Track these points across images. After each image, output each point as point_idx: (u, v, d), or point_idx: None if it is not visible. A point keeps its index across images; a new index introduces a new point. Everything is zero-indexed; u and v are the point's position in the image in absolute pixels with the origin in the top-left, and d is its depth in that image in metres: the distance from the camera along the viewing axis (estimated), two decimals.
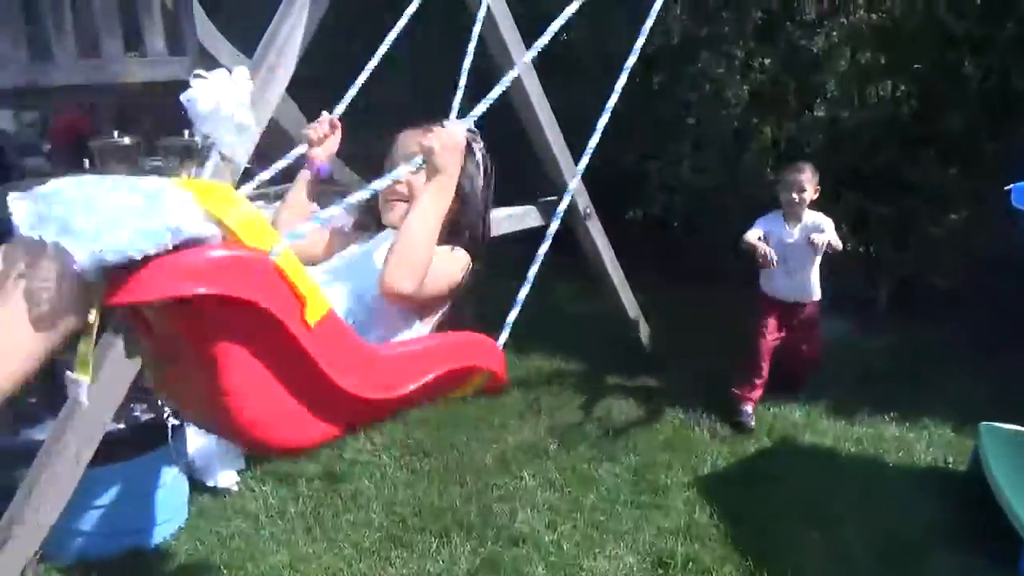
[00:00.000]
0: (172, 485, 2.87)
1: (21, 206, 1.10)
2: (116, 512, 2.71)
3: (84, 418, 2.28)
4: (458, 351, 1.56)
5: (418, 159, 1.54)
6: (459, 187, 1.62)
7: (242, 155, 2.52)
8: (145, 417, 2.79)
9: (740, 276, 4.87)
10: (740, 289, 4.44)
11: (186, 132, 3.11)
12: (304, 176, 1.82)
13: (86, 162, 3.12)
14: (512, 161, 6.35)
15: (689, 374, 4.14)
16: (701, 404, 3.88)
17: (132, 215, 1.07)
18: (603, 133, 1.97)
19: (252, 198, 3.32)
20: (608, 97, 1.93)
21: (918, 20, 4.49)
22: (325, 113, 1.89)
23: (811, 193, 3.75)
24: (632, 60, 1.91)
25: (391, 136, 1.85)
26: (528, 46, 3.28)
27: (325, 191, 1.92)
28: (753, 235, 3.77)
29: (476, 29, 2.13)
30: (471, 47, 2.11)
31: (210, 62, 3.51)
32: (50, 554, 2.57)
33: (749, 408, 3.75)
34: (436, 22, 5.81)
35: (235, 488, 3.15)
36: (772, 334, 3.86)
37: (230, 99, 2.46)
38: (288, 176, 1.97)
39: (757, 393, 3.79)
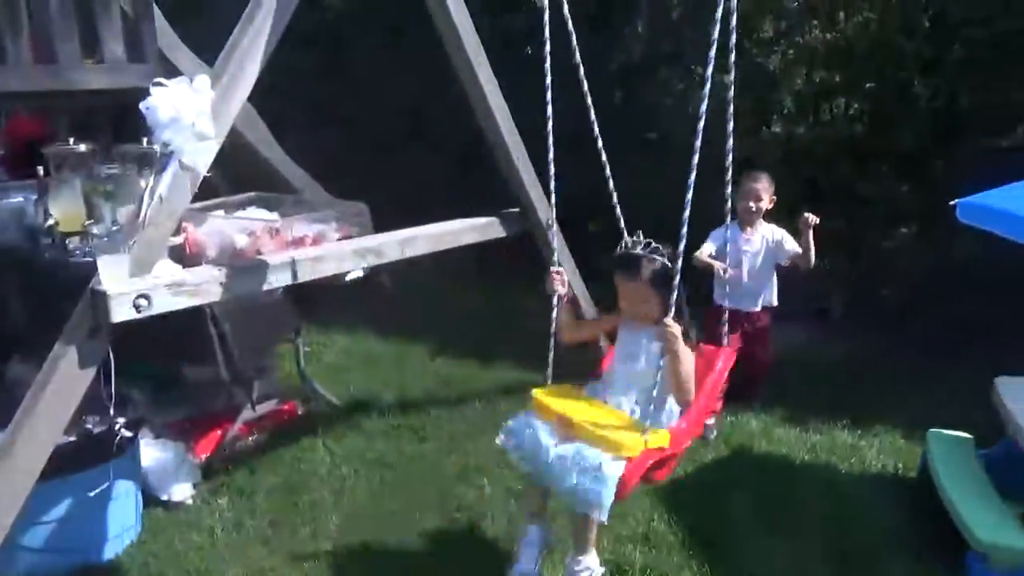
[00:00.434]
0: (124, 499, 2.82)
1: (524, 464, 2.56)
2: (66, 527, 2.65)
3: (34, 430, 2.22)
4: (722, 378, 2.82)
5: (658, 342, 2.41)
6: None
7: (202, 164, 2.50)
8: (97, 429, 2.74)
9: (702, 287, 4.95)
10: (701, 301, 4.51)
11: (145, 140, 3.07)
12: (565, 307, 2.86)
13: (40, 169, 3.06)
14: (475, 172, 6.39)
15: None
16: None
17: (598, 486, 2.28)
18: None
19: (210, 208, 3.29)
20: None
21: (870, 41, 4.64)
22: (553, 268, 2.87)
23: (767, 203, 3.83)
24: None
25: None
26: (492, 62, 3.34)
27: None
28: (704, 253, 3.78)
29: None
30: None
31: (170, 70, 3.48)
32: None
33: (710, 420, 3.80)
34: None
35: (190, 502, 3.10)
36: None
37: (191, 108, 2.45)
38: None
39: (717, 404, 3.84)
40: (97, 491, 2.71)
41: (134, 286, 2.30)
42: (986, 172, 3.83)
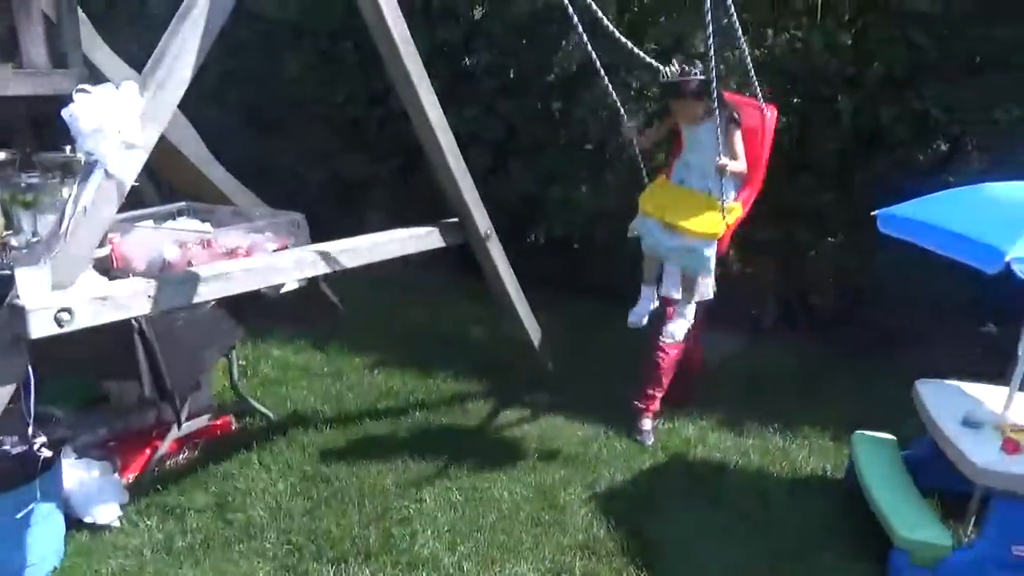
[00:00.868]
0: (46, 523, 2.69)
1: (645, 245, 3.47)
2: None
3: None
4: (767, 139, 3.45)
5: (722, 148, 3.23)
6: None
7: (129, 173, 2.43)
8: (16, 450, 2.62)
9: (637, 296, 5.03)
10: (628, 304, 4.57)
11: (68, 148, 2.97)
12: (637, 137, 3.61)
13: None
14: (414, 183, 6.36)
15: (589, 391, 4.23)
16: (600, 421, 3.97)
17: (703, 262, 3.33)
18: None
19: (139, 219, 3.20)
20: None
21: (796, 58, 4.81)
22: (630, 123, 3.59)
23: None
24: None
25: None
26: (429, 70, 3.34)
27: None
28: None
29: None
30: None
31: (97, 76, 3.38)
32: None
33: (647, 424, 3.87)
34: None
35: (116, 523, 2.98)
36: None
37: (117, 115, 2.38)
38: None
39: (656, 406, 3.92)
40: (17, 515, 2.58)
41: (55, 300, 2.22)
42: (905, 184, 4.02)
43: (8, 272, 2.31)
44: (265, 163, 6.59)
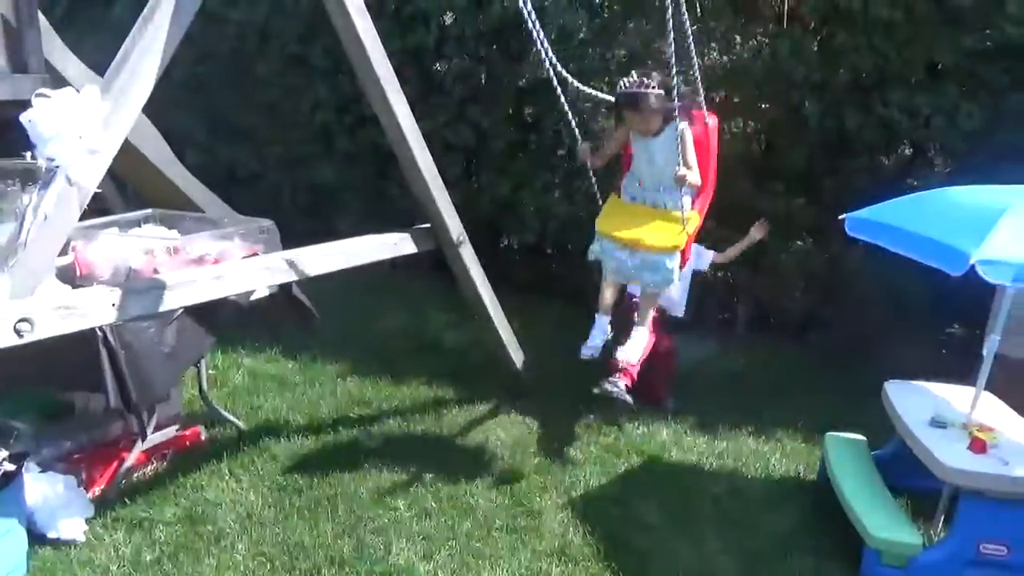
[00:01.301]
0: (8, 538, 2.61)
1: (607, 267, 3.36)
2: None
3: None
4: (712, 142, 3.45)
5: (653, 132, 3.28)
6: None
7: (91, 179, 2.37)
8: None
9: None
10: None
11: (28, 153, 2.90)
12: (590, 155, 3.48)
13: None
14: (385, 189, 6.32)
15: (563, 397, 4.23)
16: (575, 426, 3.97)
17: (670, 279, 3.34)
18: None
19: (103, 225, 3.13)
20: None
21: (764, 64, 4.86)
22: (583, 144, 3.48)
23: None
24: None
25: None
26: (400, 76, 3.32)
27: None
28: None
29: None
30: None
31: (58, 80, 3.31)
32: None
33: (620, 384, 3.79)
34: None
35: (82, 538, 2.91)
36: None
37: (78, 120, 2.33)
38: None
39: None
40: None
41: (14, 309, 2.15)
42: (871, 188, 4.08)
43: None
44: (233, 169, 6.51)
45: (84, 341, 2.72)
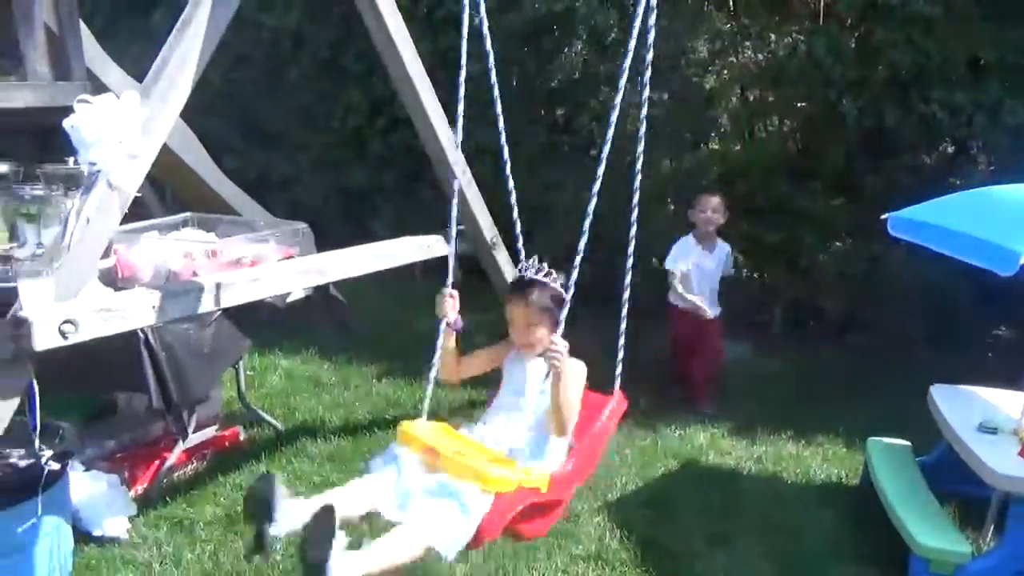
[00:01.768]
0: (53, 536, 2.66)
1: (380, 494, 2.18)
2: None
3: None
4: (610, 424, 2.54)
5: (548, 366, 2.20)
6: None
7: (132, 183, 2.41)
8: (23, 463, 2.59)
9: (643, 302, 5.00)
10: (644, 314, 4.52)
11: (71, 159, 2.96)
12: (448, 335, 2.49)
13: None
14: (420, 190, 6.33)
15: None
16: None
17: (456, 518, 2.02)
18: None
19: (143, 229, 3.17)
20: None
21: (799, 62, 4.79)
22: (444, 289, 2.47)
23: (721, 216, 4.14)
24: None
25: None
26: (433, 80, 3.33)
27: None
28: (679, 272, 4.16)
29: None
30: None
31: (99, 87, 3.36)
32: None
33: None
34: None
35: (125, 536, 2.95)
36: (685, 343, 4.24)
37: (118, 126, 2.36)
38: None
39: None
40: (23, 528, 2.55)
41: (59, 311, 2.19)
42: (912, 187, 4.00)
43: (12, 284, 2.28)
44: (268, 173, 6.59)
45: (126, 342, 2.77)
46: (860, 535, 3.12)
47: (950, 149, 4.91)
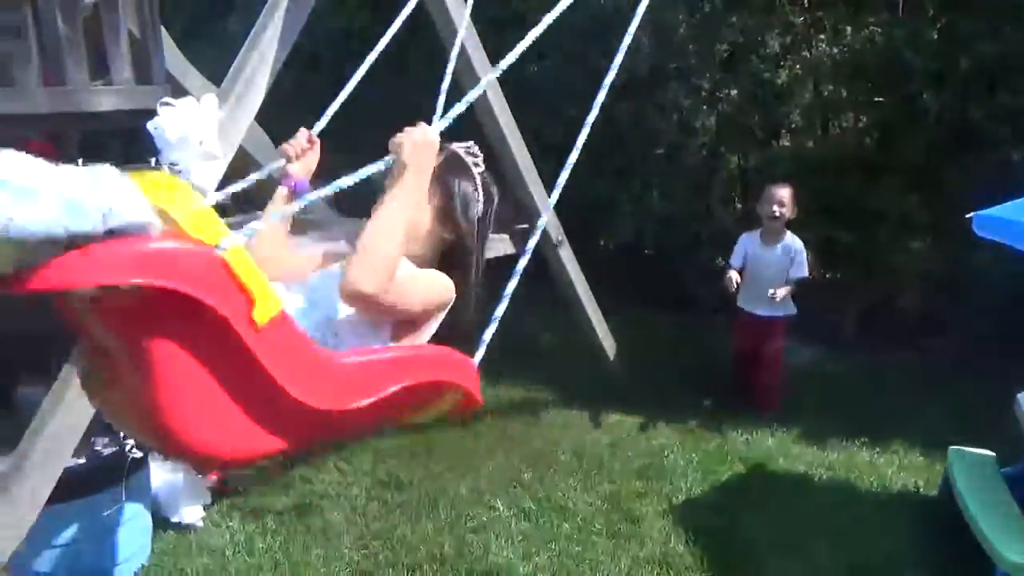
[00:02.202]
0: (134, 522, 2.78)
1: None
2: (76, 551, 2.61)
3: (42, 453, 2.20)
4: (427, 364, 1.41)
5: (389, 157, 1.48)
6: (452, 210, 1.57)
7: (211, 183, 2.49)
8: (107, 452, 2.70)
9: (709, 302, 4.92)
10: (709, 315, 4.48)
11: (153, 160, 3.07)
12: (281, 192, 1.72)
13: None
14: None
15: (662, 401, 4.14)
16: (674, 431, 3.88)
17: (60, 186, 0.92)
18: (575, 162, 2.00)
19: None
20: (578, 126, 1.97)
21: (877, 55, 4.62)
22: (303, 129, 1.84)
23: (790, 210, 3.94)
24: (602, 96, 1.95)
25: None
26: (500, 78, 3.33)
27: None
28: (734, 271, 4.00)
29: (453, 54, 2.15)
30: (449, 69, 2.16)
31: (178, 90, 3.48)
32: None
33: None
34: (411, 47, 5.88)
35: (200, 524, 3.06)
36: (744, 345, 4.10)
37: (198, 127, 2.44)
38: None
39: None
40: (107, 514, 2.67)
41: None
42: (997, 185, 3.80)
43: None
44: (336, 172, 6.73)
45: None
46: (938, 547, 3.00)
47: None
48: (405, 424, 1.60)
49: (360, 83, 2.15)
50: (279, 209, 1.64)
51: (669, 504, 3.27)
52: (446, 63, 2.16)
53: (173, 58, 3.70)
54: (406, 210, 1.44)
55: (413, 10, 2.16)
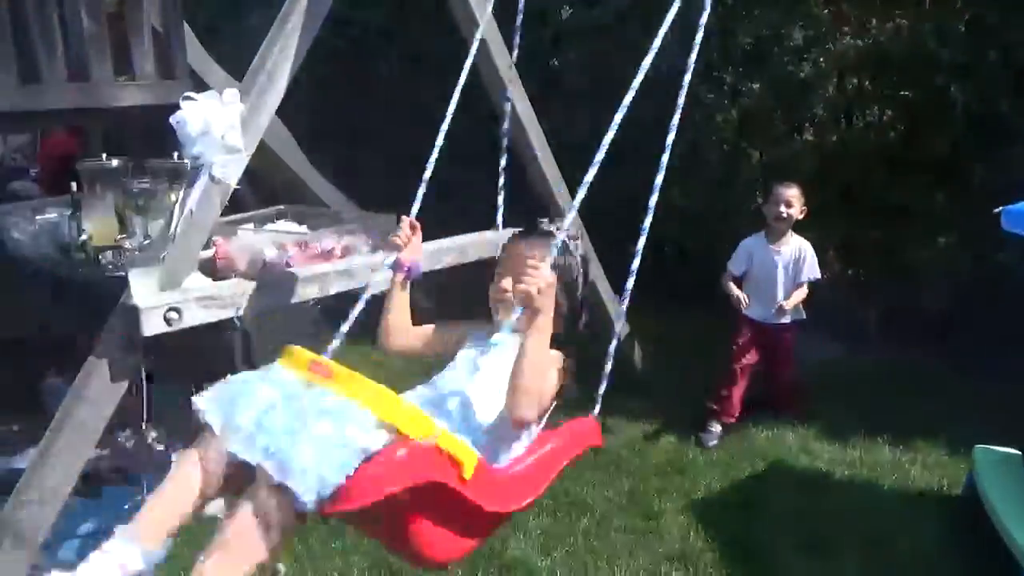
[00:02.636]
0: None
1: (214, 416, 1.57)
2: (99, 543, 2.64)
3: (66, 444, 2.23)
4: (569, 446, 1.97)
5: (517, 310, 1.72)
6: (556, 298, 1.78)
7: (232, 177, 2.51)
8: (130, 443, 2.74)
9: (724, 304, 4.87)
10: (730, 312, 4.41)
11: (175, 154, 3.10)
12: (397, 279, 2.08)
13: (73, 185, 3.09)
14: (505, 186, 6.30)
15: (681, 397, 4.11)
16: (693, 429, 3.85)
17: (330, 448, 1.38)
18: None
19: (240, 222, 3.29)
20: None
21: (903, 47, 4.55)
22: (404, 217, 2.17)
23: (797, 211, 3.78)
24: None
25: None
26: (521, 74, 3.32)
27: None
28: (729, 277, 3.89)
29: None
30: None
31: (200, 85, 3.51)
32: None
33: (715, 427, 3.80)
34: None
35: (221, 516, 3.07)
36: (746, 354, 3.90)
37: (220, 121, 2.46)
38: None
39: (729, 410, 3.84)
40: (128, 506, 2.70)
41: (164, 299, 2.30)
42: None
43: (122, 274, 2.42)
44: (358, 167, 6.75)
45: (219, 332, 2.88)
46: (962, 547, 2.95)
47: None
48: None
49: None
50: (400, 295, 2.09)
51: (688, 500, 3.25)
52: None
53: (195, 53, 3.74)
54: (546, 347, 1.73)
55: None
